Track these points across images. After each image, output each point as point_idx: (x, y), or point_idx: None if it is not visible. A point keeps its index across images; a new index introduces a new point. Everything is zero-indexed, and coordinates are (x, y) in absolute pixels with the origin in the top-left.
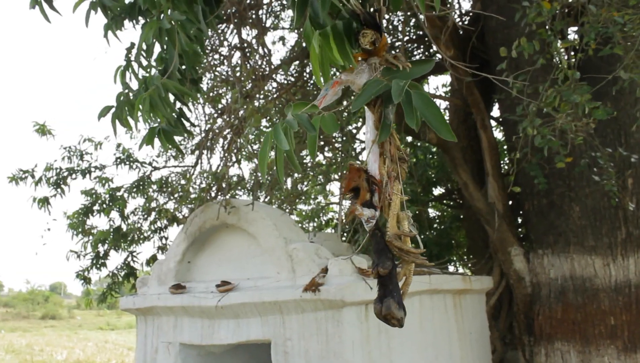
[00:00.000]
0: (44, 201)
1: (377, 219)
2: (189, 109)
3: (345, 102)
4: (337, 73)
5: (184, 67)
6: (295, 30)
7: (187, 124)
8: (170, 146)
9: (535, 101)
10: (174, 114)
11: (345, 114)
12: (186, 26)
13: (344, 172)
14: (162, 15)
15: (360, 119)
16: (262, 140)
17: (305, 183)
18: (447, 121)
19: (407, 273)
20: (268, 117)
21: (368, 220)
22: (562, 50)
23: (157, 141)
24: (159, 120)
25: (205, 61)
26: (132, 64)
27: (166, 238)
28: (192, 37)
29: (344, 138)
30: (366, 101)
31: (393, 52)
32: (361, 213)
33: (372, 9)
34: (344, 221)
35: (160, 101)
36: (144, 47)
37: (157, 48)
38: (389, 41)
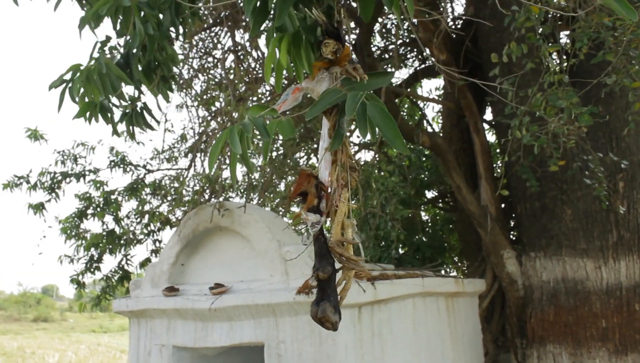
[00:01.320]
0: (39, 207)
1: (322, 225)
2: (134, 91)
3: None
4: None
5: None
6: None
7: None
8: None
9: (526, 104)
10: (138, 104)
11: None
12: (147, 13)
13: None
14: None
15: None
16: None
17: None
18: (438, 123)
19: (347, 278)
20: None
21: (313, 225)
22: (554, 53)
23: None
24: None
25: (198, 63)
26: (106, 53)
27: (159, 241)
28: (155, 26)
29: None
30: (321, 110)
31: (355, 60)
32: (306, 218)
33: (335, 20)
34: (293, 224)
35: (100, 78)
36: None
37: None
38: (382, 45)
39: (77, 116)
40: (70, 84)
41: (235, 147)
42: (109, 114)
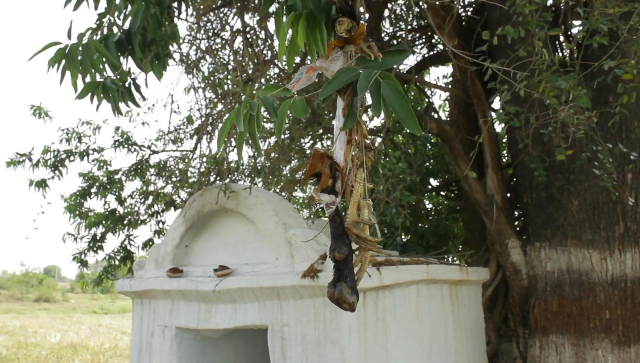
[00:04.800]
0: (41, 184)
1: (338, 205)
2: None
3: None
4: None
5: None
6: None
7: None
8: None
9: (530, 90)
10: (129, 82)
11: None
12: None
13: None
14: None
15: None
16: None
17: (303, 171)
18: (445, 111)
19: (363, 259)
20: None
21: (328, 206)
22: (562, 39)
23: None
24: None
25: (206, 44)
26: (103, 28)
27: (163, 222)
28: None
29: None
30: (335, 89)
31: (369, 40)
32: (318, 199)
33: None
34: (307, 206)
35: (84, 57)
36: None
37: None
38: (391, 31)
39: (79, 97)
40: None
41: (240, 126)
42: (111, 94)
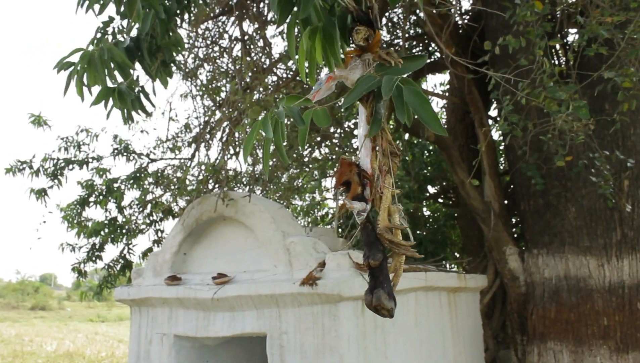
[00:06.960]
0: (41, 193)
1: (369, 212)
2: (131, 78)
3: (342, 99)
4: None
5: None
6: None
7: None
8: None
9: (532, 99)
10: (138, 90)
11: (343, 110)
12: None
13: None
14: None
15: (358, 116)
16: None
17: (301, 178)
18: (441, 118)
19: (398, 265)
20: (267, 110)
21: (359, 213)
22: (559, 50)
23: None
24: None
25: (204, 52)
26: (107, 36)
27: (162, 231)
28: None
29: (342, 134)
30: (358, 97)
31: (386, 48)
32: (351, 207)
33: (365, 6)
34: (337, 215)
35: (101, 63)
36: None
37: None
38: (388, 39)
39: (96, 103)
40: (73, 68)
41: (268, 131)
42: (128, 100)
